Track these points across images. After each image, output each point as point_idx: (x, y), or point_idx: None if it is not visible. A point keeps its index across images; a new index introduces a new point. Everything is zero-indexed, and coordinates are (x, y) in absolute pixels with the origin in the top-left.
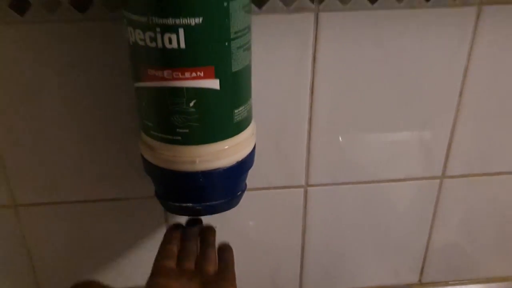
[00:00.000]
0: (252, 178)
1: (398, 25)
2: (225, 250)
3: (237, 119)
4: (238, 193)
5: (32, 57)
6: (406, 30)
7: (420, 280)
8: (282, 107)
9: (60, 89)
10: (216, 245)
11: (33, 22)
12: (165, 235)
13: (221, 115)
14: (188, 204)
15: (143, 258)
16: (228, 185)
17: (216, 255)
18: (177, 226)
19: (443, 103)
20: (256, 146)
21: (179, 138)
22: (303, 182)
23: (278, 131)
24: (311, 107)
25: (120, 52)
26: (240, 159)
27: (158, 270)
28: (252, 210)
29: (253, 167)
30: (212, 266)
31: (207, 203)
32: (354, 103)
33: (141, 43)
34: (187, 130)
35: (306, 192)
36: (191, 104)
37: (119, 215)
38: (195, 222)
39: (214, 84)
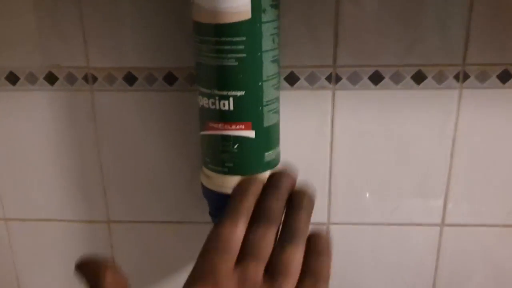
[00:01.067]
0: None
1: (396, 103)
2: (319, 252)
3: (267, 159)
4: None
5: (135, 119)
6: (403, 107)
7: None
8: (306, 162)
9: (151, 143)
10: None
11: (138, 91)
12: (230, 202)
13: (255, 155)
14: None
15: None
16: None
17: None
18: (252, 181)
19: (437, 166)
20: None
21: (226, 169)
22: (325, 220)
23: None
24: (330, 164)
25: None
26: None
27: (203, 274)
28: None
29: None
30: (290, 283)
31: None
32: (365, 165)
33: (206, 106)
34: (231, 164)
35: (328, 229)
36: (235, 147)
37: (182, 237)
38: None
39: (251, 134)
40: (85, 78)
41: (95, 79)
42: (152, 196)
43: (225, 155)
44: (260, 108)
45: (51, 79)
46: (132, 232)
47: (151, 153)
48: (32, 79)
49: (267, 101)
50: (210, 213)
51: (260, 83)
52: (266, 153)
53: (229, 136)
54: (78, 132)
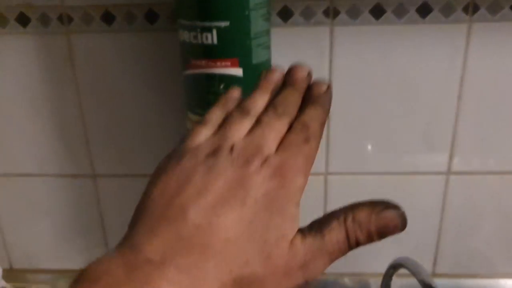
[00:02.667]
0: None
1: (400, 39)
2: (316, 95)
3: None
4: None
5: (117, 61)
6: (407, 43)
7: (433, 272)
8: None
9: (135, 84)
10: None
11: (117, 32)
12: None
13: (244, 97)
14: None
15: None
16: None
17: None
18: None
19: (443, 109)
20: None
21: None
22: (323, 169)
23: None
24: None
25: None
26: None
27: (180, 146)
28: None
29: None
30: (274, 132)
31: None
32: (364, 107)
33: (187, 40)
34: None
35: (325, 180)
36: (221, 86)
37: None
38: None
39: (238, 72)
40: (60, 19)
41: (70, 19)
42: (138, 147)
43: (211, 97)
44: (248, 41)
45: (23, 20)
46: (119, 186)
47: (135, 100)
48: (2, 20)
49: (256, 34)
50: None
51: (246, 12)
52: None
53: (214, 75)
54: (56, 79)
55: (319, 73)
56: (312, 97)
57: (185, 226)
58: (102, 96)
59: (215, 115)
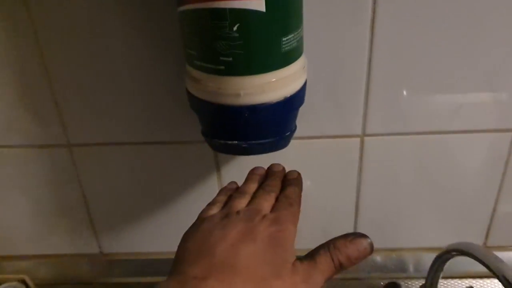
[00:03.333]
0: (302, 125)
1: None
2: (290, 179)
3: (286, 48)
4: (287, 134)
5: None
6: None
7: (485, 244)
8: (338, 44)
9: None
10: None
11: None
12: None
13: (268, 42)
14: (234, 142)
15: (191, 206)
16: (275, 123)
17: (279, 187)
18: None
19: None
20: (307, 86)
21: (223, 67)
22: (359, 131)
23: (333, 72)
24: (371, 47)
25: None
26: (288, 95)
27: (198, 218)
28: (302, 161)
29: (303, 112)
30: (267, 201)
31: (253, 141)
32: (417, 46)
33: None
34: (230, 59)
35: (362, 142)
36: (235, 28)
37: (169, 159)
38: None
39: (259, 5)
40: None
41: None
42: (121, 112)
43: (219, 43)
44: None
45: None
46: (99, 156)
47: (115, 50)
48: None
49: None
50: (203, 132)
51: None
52: (284, 38)
53: (224, 11)
54: (11, 26)
55: (361, 6)
56: (288, 180)
57: (216, 258)
58: (71, 49)
59: (221, 197)
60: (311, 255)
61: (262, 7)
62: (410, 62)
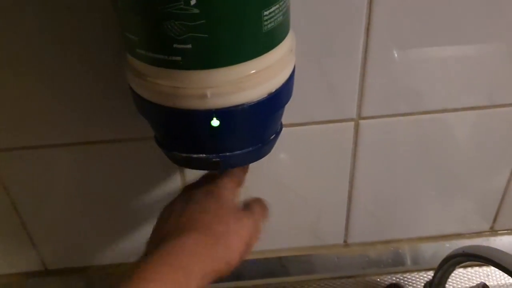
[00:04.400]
0: (288, 111)
1: None
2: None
3: (268, 25)
4: (271, 137)
5: None
6: None
7: (492, 227)
8: (329, 15)
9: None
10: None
11: None
12: None
13: (243, 18)
14: (201, 155)
15: (149, 211)
16: (257, 128)
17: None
18: None
19: None
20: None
21: (179, 58)
22: (354, 115)
23: (322, 48)
24: (369, 13)
25: None
26: (273, 90)
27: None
28: (289, 151)
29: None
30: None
31: (228, 154)
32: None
33: None
34: (189, 46)
35: (357, 126)
36: (193, 1)
37: (118, 159)
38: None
39: None
40: None
41: None
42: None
43: (172, 24)
44: None
45: None
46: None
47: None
48: None
49: None
50: (159, 142)
51: None
52: (266, 12)
53: None
54: None
55: None
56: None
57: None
58: None
59: None
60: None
61: None
62: (409, 35)
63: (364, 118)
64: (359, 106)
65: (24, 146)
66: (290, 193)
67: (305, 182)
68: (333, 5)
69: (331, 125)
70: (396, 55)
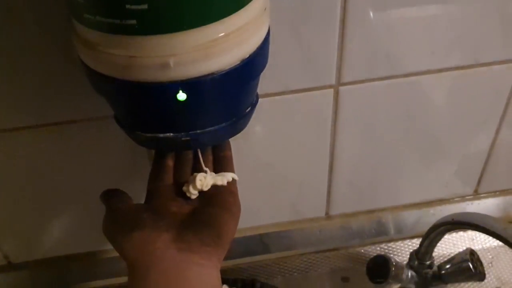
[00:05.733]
0: (263, 80)
1: None
2: (221, 148)
3: None
4: (247, 110)
5: None
6: None
7: (476, 191)
8: None
9: None
10: None
11: None
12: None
13: None
14: (168, 135)
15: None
16: (229, 101)
17: (211, 158)
18: None
19: None
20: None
21: (134, 22)
22: (333, 81)
23: (298, 13)
24: None
25: None
26: (246, 56)
27: (153, 190)
28: (265, 123)
29: None
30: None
31: (198, 131)
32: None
33: None
34: (145, 6)
35: (337, 92)
36: None
37: (79, 142)
38: None
39: None
40: None
41: None
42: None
43: None
44: None
45: None
46: None
47: None
48: None
49: None
50: (119, 122)
51: None
52: None
53: None
54: None
55: None
56: None
57: None
58: None
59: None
60: None
61: None
62: None
63: (343, 84)
64: (339, 72)
65: None
66: (268, 168)
67: (283, 156)
68: None
69: (309, 93)
70: (375, 16)
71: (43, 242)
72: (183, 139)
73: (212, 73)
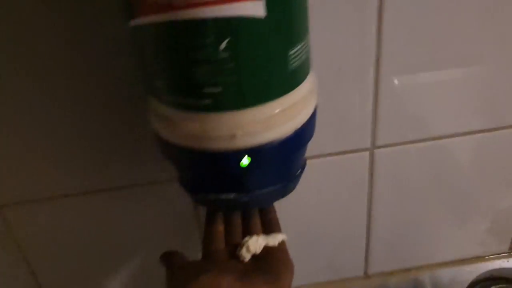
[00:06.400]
0: None
1: None
2: (267, 212)
3: (294, 64)
4: (297, 173)
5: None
6: None
7: (511, 248)
8: (340, 49)
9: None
10: None
11: None
12: (207, 214)
13: (271, 59)
14: (229, 196)
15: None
16: (285, 164)
17: (259, 221)
18: None
19: None
20: None
21: (209, 101)
22: (368, 144)
23: (334, 80)
24: (379, 44)
25: None
26: (299, 126)
27: (208, 254)
28: (305, 184)
29: None
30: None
31: (256, 192)
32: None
33: None
34: (219, 89)
35: (372, 155)
36: (223, 45)
37: (132, 206)
38: None
39: (257, 8)
40: None
41: None
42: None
43: (201, 69)
44: None
45: None
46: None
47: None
48: None
49: None
50: (183, 184)
51: None
52: (292, 51)
53: (205, 23)
54: None
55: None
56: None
57: None
58: None
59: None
60: None
61: (260, 11)
62: (417, 62)
63: (378, 147)
64: (373, 135)
65: (35, 198)
66: (307, 227)
67: (322, 215)
68: (344, 36)
69: (346, 156)
70: (404, 81)
71: None
72: (242, 199)
73: (271, 142)
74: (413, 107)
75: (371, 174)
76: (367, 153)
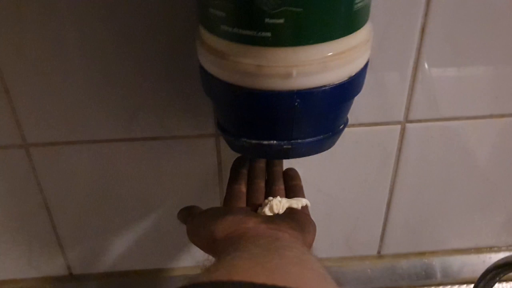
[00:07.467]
0: None
1: None
2: (292, 178)
3: (359, 4)
4: (340, 127)
5: None
6: None
7: None
8: (387, 12)
9: None
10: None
11: None
12: (230, 175)
13: None
14: (272, 142)
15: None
16: (332, 114)
17: (283, 187)
18: (242, 162)
19: None
20: None
21: (268, 34)
22: (401, 117)
23: (376, 51)
24: (423, 29)
25: None
26: (353, 73)
27: (230, 210)
28: (331, 154)
29: None
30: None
31: (300, 140)
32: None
33: None
34: (281, 20)
35: (403, 129)
36: None
37: (158, 159)
38: None
39: None
40: None
41: None
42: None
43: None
44: None
45: None
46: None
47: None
48: None
49: None
50: (222, 128)
51: None
52: None
53: None
54: None
55: None
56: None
57: None
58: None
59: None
60: None
61: None
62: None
63: (410, 122)
64: (407, 110)
65: (63, 141)
66: (328, 201)
67: (344, 189)
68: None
69: (377, 127)
70: (443, 63)
71: (107, 255)
72: (284, 147)
73: (325, 85)
74: (446, 88)
75: (400, 149)
76: (398, 126)
